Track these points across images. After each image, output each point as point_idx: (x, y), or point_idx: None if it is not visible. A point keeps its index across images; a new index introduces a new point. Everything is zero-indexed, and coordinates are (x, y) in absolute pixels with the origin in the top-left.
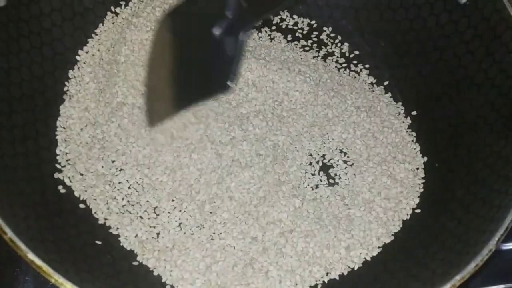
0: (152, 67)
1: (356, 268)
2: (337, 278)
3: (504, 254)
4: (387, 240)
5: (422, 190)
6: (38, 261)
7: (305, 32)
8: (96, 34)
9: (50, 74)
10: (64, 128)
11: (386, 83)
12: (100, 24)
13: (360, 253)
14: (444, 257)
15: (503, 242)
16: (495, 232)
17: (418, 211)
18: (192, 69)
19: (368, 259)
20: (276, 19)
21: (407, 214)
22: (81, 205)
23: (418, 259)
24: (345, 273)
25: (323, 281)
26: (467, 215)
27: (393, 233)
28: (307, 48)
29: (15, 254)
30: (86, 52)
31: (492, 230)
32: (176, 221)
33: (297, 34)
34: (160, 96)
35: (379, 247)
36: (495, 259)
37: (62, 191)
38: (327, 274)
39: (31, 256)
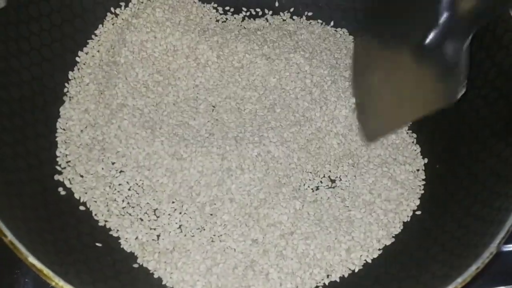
0: (360, 81)
1: (356, 270)
2: (338, 280)
3: (505, 256)
4: (388, 242)
5: (422, 191)
6: (39, 265)
7: None
8: (96, 35)
9: (49, 75)
10: (64, 129)
11: None
12: (100, 25)
13: (361, 255)
14: (445, 259)
15: (504, 243)
16: (496, 235)
17: (418, 213)
18: (407, 81)
19: (369, 261)
20: (277, 21)
21: (408, 216)
22: (81, 207)
23: (418, 261)
24: (346, 275)
25: (324, 283)
26: (467, 217)
27: (394, 235)
28: None
29: (15, 256)
30: (86, 53)
31: (493, 233)
32: (176, 223)
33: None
34: (376, 111)
35: (379, 249)
36: (496, 260)
37: (62, 193)
38: (327, 276)
39: (31, 259)
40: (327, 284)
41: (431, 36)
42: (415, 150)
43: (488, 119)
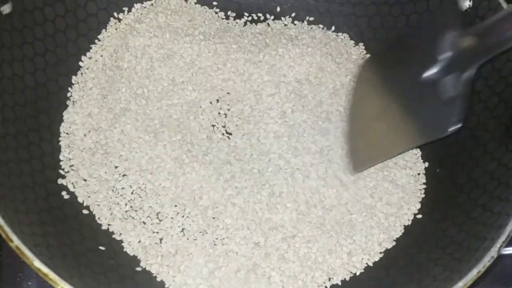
0: (356, 109)
1: (358, 274)
2: (339, 283)
3: (505, 259)
4: (389, 246)
5: (423, 195)
6: (45, 269)
7: None
8: (99, 40)
9: (53, 80)
10: (67, 133)
11: None
12: (103, 30)
13: (362, 259)
14: (446, 263)
15: (506, 246)
16: (497, 239)
17: (419, 216)
18: (403, 113)
19: (370, 264)
20: (278, 26)
21: (409, 220)
22: (85, 211)
23: (419, 265)
24: (347, 279)
25: (325, 287)
26: (468, 222)
27: (395, 239)
28: None
29: (19, 260)
30: (89, 58)
31: (494, 237)
32: (179, 227)
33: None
34: (367, 140)
35: (380, 253)
36: (496, 263)
37: (66, 197)
38: (329, 279)
39: (37, 263)
40: (328, 287)
41: (430, 70)
42: (416, 155)
43: (489, 124)
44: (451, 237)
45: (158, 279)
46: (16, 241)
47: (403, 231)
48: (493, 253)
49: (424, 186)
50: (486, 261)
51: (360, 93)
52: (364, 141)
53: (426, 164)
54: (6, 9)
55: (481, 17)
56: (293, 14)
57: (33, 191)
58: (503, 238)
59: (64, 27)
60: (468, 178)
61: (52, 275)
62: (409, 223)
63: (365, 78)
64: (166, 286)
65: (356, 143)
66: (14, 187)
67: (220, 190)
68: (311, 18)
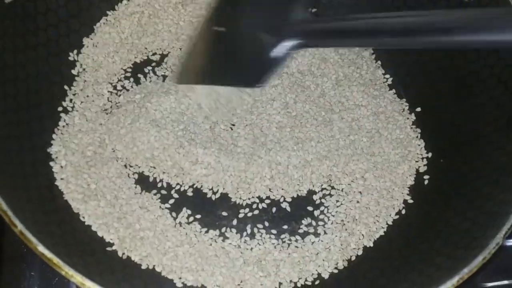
0: (198, 36)
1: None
2: (346, 265)
3: (508, 250)
4: (392, 236)
5: (426, 185)
6: (49, 254)
7: None
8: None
9: (56, 69)
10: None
11: (390, 80)
12: (105, 19)
13: (362, 247)
14: (449, 252)
15: (508, 238)
16: (502, 227)
17: (423, 206)
18: (231, 52)
19: (371, 253)
20: None
21: (412, 209)
22: None
23: (422, 254)
24: (346, 265)
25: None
26: (472, 211)
27: (398, 228)
28: None
29: (22, 250)
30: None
31: (499, 224)
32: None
33: None
34: (195, 62)
35: (383, 242)
36: (499, 255)
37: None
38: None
39: (41, 248)
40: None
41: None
42: (419, 145)
43: (492, 114)
44: (454, 226)
45: (160, 270)
46: (20, 226)
47: (405, 220)
48: (498, 239)
49: (428, 176)
50: (491, 248)
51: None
52: (193, 60)
53: (430, 154)
54: None
55: (484, 7)
56: None
57: (36, 180)
58: (508, 225)
59: (66, 17)
60: (472, 167)
61: (56, 259)
62: (412, 213)
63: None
64: (170, 277)
65: (188, 61)
66: (17, 175)
67: (221, 174)
68: (314, 10)
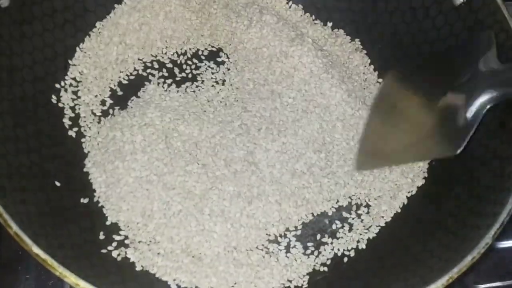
0: (378, 112)
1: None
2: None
3: (500, 252)
4: (385, 237)
5: (419, 187)
6: (43, 255)
7: None
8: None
9: (51, 75)
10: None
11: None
12: (101, 25)
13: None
14: (441, 254)
15: (499, 240)
16: (492, 227)
17: (415, 208)
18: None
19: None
20: None
21: (404, 211)
22: (82, 200)
23: (415, 255)
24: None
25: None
26: (463, 212)
27: (390, 229)
28: None
29: (17, 253)
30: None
31: (488, 224)
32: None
33: None
34: (379, 145)
35: (376, 243)
36: (492, 256)
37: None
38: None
39: (36, 249)
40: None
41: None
42: None
43: (484, 117)
44: (446, 227)
45: (154, 272)
46: (15, 228)
47: (398, 222)
48: (487, 239)
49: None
50: (481, 248)
51: (383, 99)
52: (376, 144)
53: None
54: (5, 2)
55: (474, 11)
56: None
57: (31, 182)
58: (497, 225)
59: (62, 22)
60: (464, 169)
61: (50, 260)
62: (405, 215)
63: (391, 87)
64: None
65: (369, 143)
66: (13, 177)
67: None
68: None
